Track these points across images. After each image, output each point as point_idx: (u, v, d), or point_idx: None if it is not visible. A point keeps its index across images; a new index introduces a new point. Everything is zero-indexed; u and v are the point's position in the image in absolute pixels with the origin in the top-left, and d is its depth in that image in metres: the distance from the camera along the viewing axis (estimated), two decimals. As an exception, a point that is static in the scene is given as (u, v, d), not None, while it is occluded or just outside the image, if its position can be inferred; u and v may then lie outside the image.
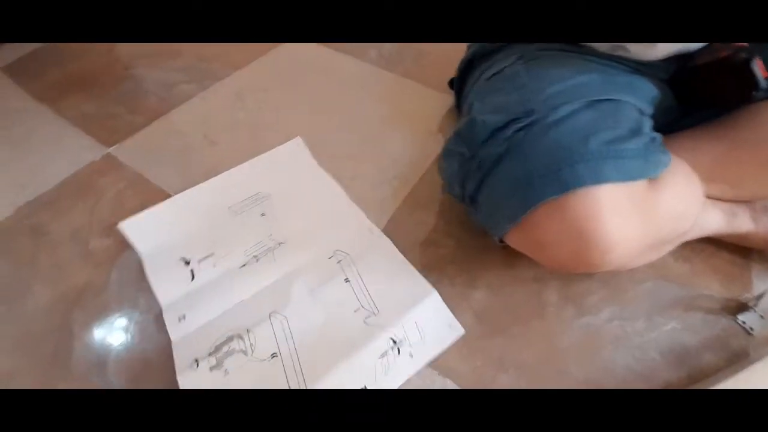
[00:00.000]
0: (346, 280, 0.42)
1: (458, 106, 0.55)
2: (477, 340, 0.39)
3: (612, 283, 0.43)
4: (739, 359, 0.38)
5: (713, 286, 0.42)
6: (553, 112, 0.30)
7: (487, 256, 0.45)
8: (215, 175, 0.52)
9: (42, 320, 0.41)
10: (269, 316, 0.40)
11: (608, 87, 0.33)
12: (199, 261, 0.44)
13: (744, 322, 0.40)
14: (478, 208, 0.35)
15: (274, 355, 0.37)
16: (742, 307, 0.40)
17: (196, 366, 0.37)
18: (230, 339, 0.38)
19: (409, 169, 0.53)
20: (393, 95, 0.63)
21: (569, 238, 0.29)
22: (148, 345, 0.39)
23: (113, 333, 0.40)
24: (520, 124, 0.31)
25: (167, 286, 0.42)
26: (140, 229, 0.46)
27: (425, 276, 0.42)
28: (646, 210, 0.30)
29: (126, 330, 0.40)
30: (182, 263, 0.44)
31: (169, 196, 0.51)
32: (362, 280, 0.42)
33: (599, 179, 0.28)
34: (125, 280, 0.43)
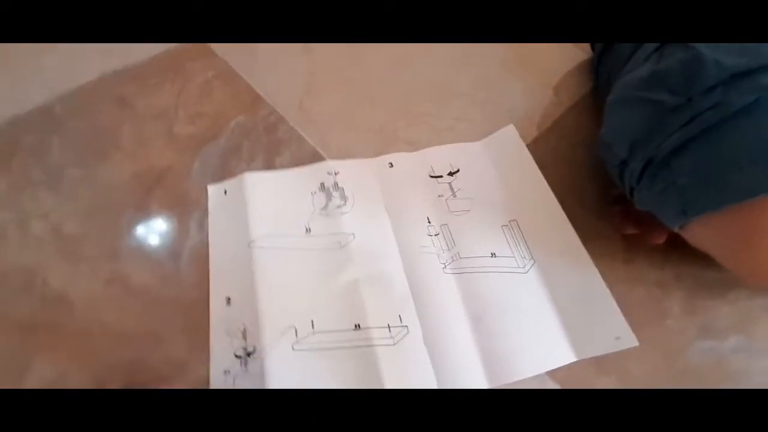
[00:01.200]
0: None
1: (598, 63, 0.46)
2: (578, 332, 0.34)
3: (745, 310, 0.36)
4: None
5: None
6: None
7: (602, 242, 0.38)
8: (305, 83, 0.47)
9: (121, 192, 0.39)
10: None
11: None
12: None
13: None
14: (671, 176, 0.27)
15: None
16: None
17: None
18: None
19: (521, 124, 0.46)
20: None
21: None
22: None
23: (191, 222, 0.38)
24: None
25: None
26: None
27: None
28: None
29: (202, 222, 0.38)
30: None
31: (257, 95, 0.46)
32: None
33: None
34: (208, 172, 0.40)
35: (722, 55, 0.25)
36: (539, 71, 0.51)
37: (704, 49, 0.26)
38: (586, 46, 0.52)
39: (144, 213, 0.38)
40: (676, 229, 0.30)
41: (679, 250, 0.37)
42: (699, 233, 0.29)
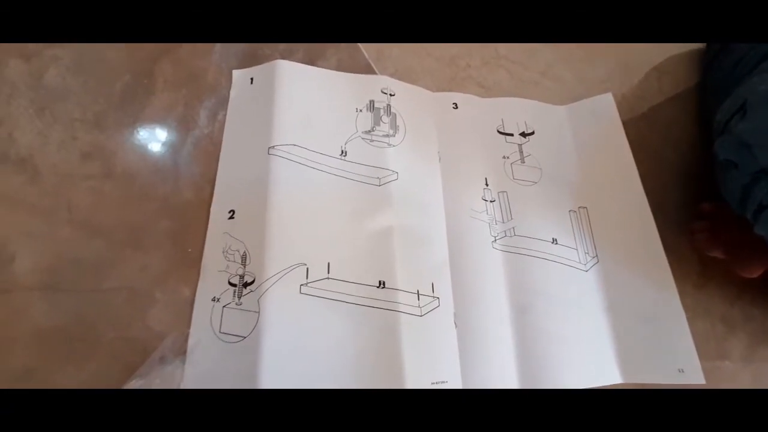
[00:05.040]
0: None
1: (720, 52, 0.38)
2: (626, 351, 0.29)
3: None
4: None
5: None
6: None
7: (675, 258, 0.32)
8: None
9: (120, 52, 0.31)
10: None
11: None
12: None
13: None
14: None
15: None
16: None
17: None
18: None
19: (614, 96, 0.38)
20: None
21: None
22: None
23: (202, 110, 0.30)
24: None
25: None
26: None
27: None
28: None
29: (215, 112, 0.30)
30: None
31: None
32: None
33: None
34: (232, 54, 0.32)
35: None
36: (645, 45, 0.42)
37: None
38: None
39: (144, 84, 0.30)
40: None
41: (755, 288, 0.32)
42: None
